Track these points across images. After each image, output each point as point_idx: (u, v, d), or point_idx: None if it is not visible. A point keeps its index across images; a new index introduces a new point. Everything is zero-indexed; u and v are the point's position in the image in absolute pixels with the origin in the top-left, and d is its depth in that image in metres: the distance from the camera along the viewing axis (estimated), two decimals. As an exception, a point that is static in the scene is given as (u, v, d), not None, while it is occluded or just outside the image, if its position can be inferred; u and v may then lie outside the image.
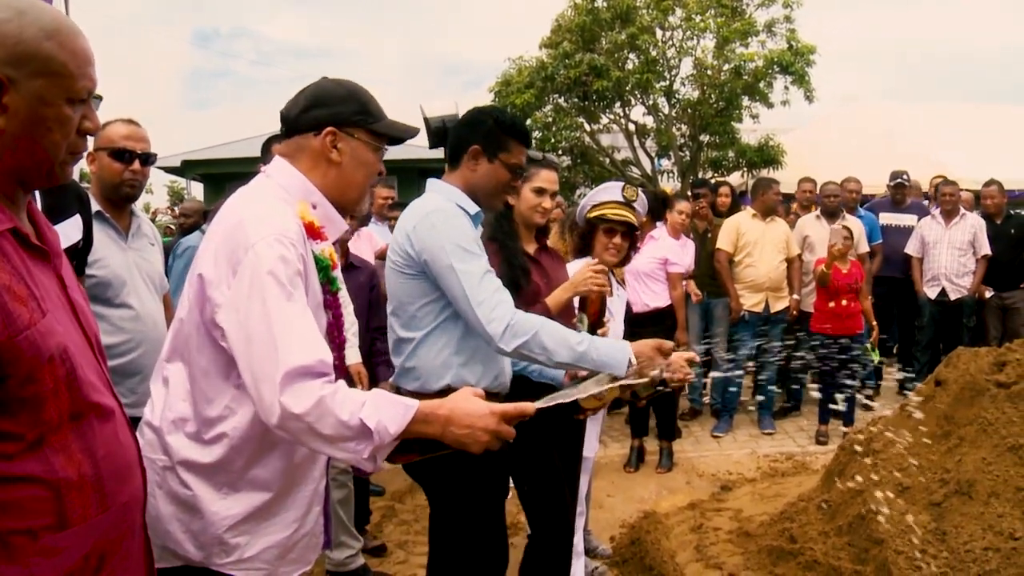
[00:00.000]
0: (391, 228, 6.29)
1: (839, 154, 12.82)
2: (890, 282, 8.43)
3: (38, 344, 1.44)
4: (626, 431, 7.00)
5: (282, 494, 2.05)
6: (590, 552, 4.79)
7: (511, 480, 3.45)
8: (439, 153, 6.10)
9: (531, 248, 3.61)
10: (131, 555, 1.67)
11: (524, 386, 3.12)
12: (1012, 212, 8.63)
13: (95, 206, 3.28)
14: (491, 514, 2.96)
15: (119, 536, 1.62)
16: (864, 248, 7.84)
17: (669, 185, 15.83)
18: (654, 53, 15.17)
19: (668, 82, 15.61)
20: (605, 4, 14.91)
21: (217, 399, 1.97)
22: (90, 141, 1.71)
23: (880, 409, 7.72)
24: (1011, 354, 4.08)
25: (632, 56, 15.27)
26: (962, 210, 8.23)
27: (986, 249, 8.04)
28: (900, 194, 8.96)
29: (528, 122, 14.43)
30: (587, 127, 16.27)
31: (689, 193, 9.31)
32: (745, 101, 15.38)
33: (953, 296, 8.09)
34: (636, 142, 16.32)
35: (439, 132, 5.88)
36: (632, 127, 16.28)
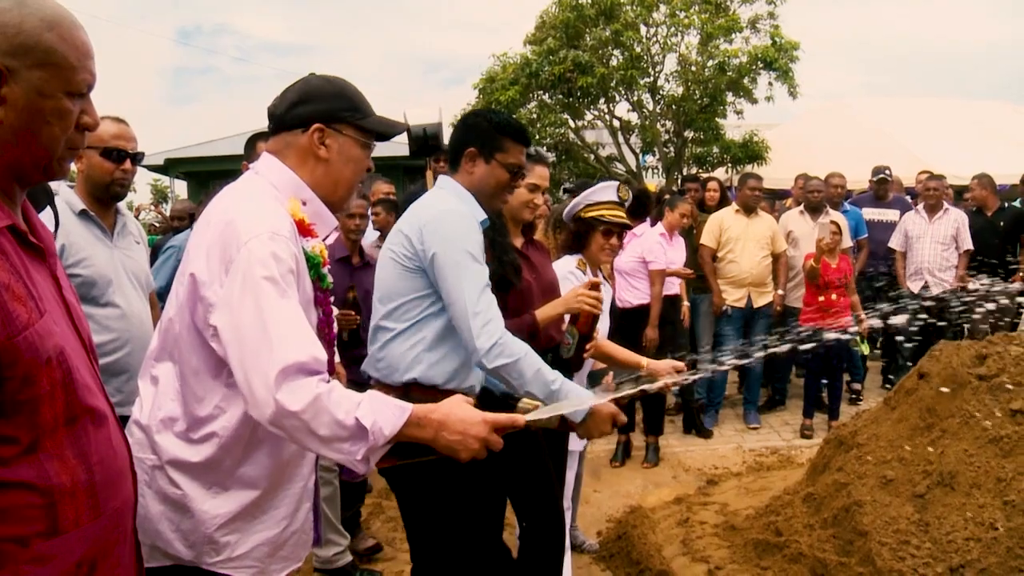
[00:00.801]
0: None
1: (823, 150, 12.90)
2: (873, 276, 8.48)
3: (36, 345, 1.42)
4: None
5: (271, 492, 2.04)
6: (577, 547, 4.81)
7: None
8: (424, 120, 6.05)
9: (518, 242, 3.62)
10: (122, 561, 1.65)
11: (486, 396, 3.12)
12: (1006, 205, 8.67)
13: (80, 204, 3.27)
14: (471, 521, 2.97)
15: (111, 542, 1.59)
16: (849, 243, 7.88)
17: (654, 181, 15.87)
18: (638, 49, 15.23)
19: (652, 78, 15.68)
20: (589, 1, 14.93)
21: (207, 398, 1.95)
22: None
23: (865, 402, 7.79)
24: (992, 347, 4.12)
25: (616, 52, 15.32)
26: (945, 205, 8.28)
27: (968, 244, 8.10)
28: (883, 189, 9.01)
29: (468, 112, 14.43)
30: (572, 123, 16.32)
31: (674, 188, 9.35)
32: (729, 97, 15.48)
33: (936, 290, 8.14)
34: (621, 138, 16.37)
35: (419, 139, 5.90)
36: (616, 123, 16.34)
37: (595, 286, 3.46)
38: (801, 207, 8.19)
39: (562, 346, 3.53)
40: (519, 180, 3.08)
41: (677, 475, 6.25)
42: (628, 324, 6.15)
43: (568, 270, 4.06)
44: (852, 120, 14.96)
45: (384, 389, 2.75)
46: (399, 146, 12.78)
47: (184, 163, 21.66)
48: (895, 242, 8.39)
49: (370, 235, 6.25)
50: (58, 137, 1.51)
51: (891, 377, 8.40)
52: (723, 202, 8.43)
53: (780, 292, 7.68)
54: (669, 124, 15.89)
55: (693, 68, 15.23)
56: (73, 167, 3.38)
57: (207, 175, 19.31)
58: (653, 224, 6.92)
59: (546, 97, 15.84)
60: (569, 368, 3.51)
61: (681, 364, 3.51)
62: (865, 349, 7.63)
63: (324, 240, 2.17)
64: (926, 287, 8.16)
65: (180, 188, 24.21)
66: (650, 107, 15.96)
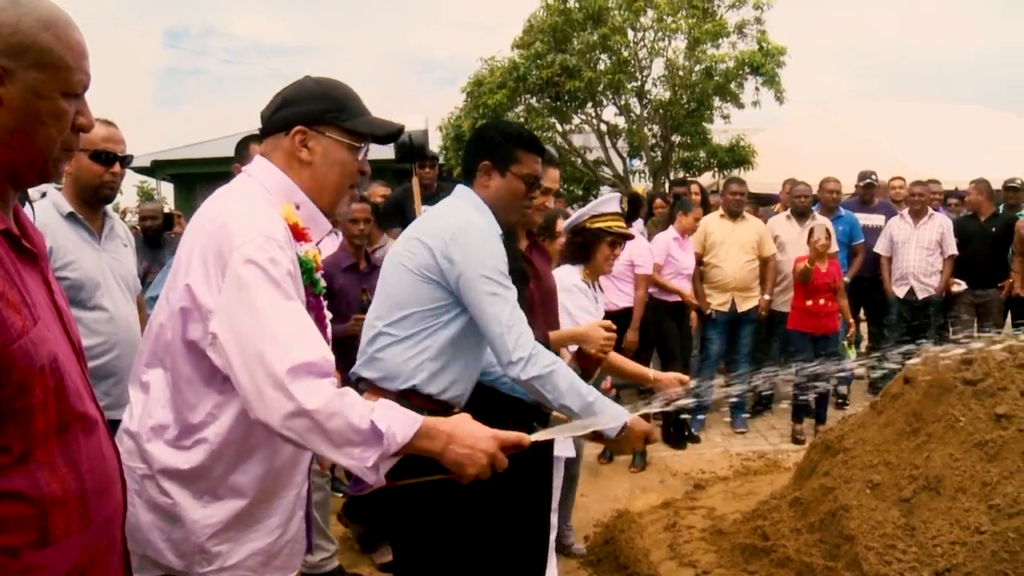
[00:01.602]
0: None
1: (809, 155, 12.95)
2: (859, 281, 8.52)
3: (31, 353, 1.40)
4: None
5: (264, 500, 2.01)
6: (565, 551, 4.81)
7: None
8: (411, 127, 6.01)
9: (522, 245, 3.60)
10: (111, 570, 1.63)
11: (491, 397, 3.10)
12: (999, 211, 8.72)
13: (68, 207, 3.25)
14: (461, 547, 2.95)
15: (101, 551, 1.57)
16: (835, 247, 7.91)
17: (641, 185, 15.91)
18: (626, 54, 15.25)
19: (640, 83, 15.71)
20: (577, 5, 14.96)
21: (200, 405, 1.93)
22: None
23: (851, 407, 7.82)
24: (977, 352, 4.14)
25: (604, 57, 15.33)
26: (930, 210, 8.33)
27: (953, 249, 8.14)
28: (869, 194, 9.06)
29: (478, 125, 14.46)
30: (559, 127, 16.32)
31: (662, 192, 9.37)
32: (716, 102, 15.50)
33: (921, 295, 8.18)
34: (608, 142, 16.39)
35: (404, 147, 5.90)
36: (604, 127, 16.35)
37: (610, 328, 3.44)
38: (788, 212, 8.23)
39: None
40: (536, 191, 3.02)
41: (664, 479, 6.25)
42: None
43: (572, 282, 4.07)
44: (838, 125, 15.03)
45: (377, 392, 2.73)
46: (386, 149, 12.79)
47: (171, 165, 21.55)
48: (880, 247, 8.43)
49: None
50: (54, 138, 1.49)
51: (877, 383, 8.44)
52: (704, 206, 8.46)
53: (766, 297, 7.70)
54: (656, 128, 15.91)
55: (680, 73, 15.26)
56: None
57: (194, 177, 19.21)
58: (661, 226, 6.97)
59: (534, 101, 15.84)
60: None
61: (686, 378, 3.49)
62: (852, 354, 7.66)
63: (318, 244, 2.13)
64: (911, 292, 8.21)
65: (167, 190, 24.10)
66: (637, 111, 15.98)
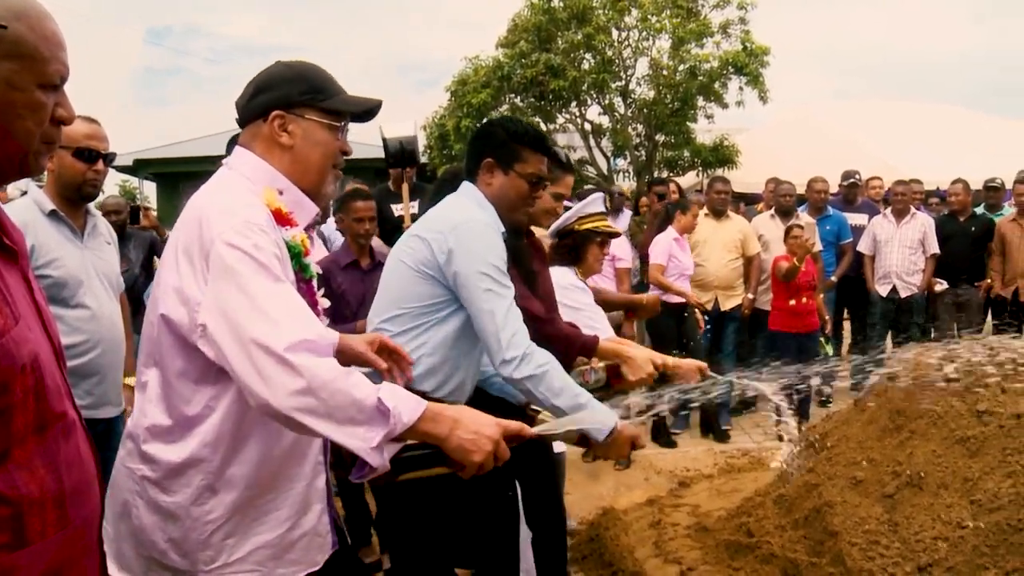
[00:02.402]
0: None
1: (793, 154, 13.02)
2: (842, 280, 8.57)
3: (12, 353, 1.37)
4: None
5: (267, 492, 1.97)
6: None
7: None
8: (400, 133, 6.02)
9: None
10: (87, 574, 1.60)
11: (477, 397, 3.09)
12: (977, 212, 8.82)
13: (49, 204, 3.23)
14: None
15: (77, 554, 1.54)
16: (819, 247, 7.95)
17: (625, 184, 15.95)
18: (610, 53, 15.28)
19: (624, 82, 15.74)
20: (561, 4, 14.98)
21: (195, 399, 1.91)
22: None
23: (835, 404, 7.86)
24: (959, 349, 4.18)
25: (588, 56, 15.36)
26: (912, 209, 8.39)
27: (934, 248, 8.21)
28: (852, 193, 9.12)
29: (484, 121, 14.46)
30: (543, 127, 16.33)
31: (642, 191, 9.39)
32: (700, 101, 15.54)
33: (904, 294, 8.24)
34: (592, 142, 16.41)
35: (397, 153, 5.91)
36: (588, 127, 16.37)
37: (656, 368, 3.40)
38: (772, 211, 8.27)
39: (578, 375, 3.45)
40: (539, 190, 2.99)
41: (649, 477, 6.27)
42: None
43: (569, 281, 4.08)
44: (821, 126, 15.12)
45: None
46: (369, 148, 12.78)
47: (153, 164, 21.46)
48: (863, 246, 8.48)
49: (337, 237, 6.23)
50: (32, 131, 1.45)
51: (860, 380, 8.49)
52: (681, 203, 8.48)
53: (750, 296, 7.73)
54: (640, 128, 15.94)
55: (664, 72, 15.30)
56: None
57: (177, 176, 19.14)
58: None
59: (518, 100, 15.85)
60: None
61: (704, 364, 3.48)
62: (829, 350, 7.71)
63: (307, 229, 2.10)
64: (894, 291, 8.26)
65: (149, 189, 23.97)
66: (621, 111, 16.01)
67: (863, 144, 13.35)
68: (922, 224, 8.28)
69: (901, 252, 8.23)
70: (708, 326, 7.50)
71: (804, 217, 8.02)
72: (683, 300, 7.00)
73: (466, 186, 2.94)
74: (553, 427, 2.41)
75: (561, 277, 4.05)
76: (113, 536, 2.02)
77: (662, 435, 7.18)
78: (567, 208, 4.03)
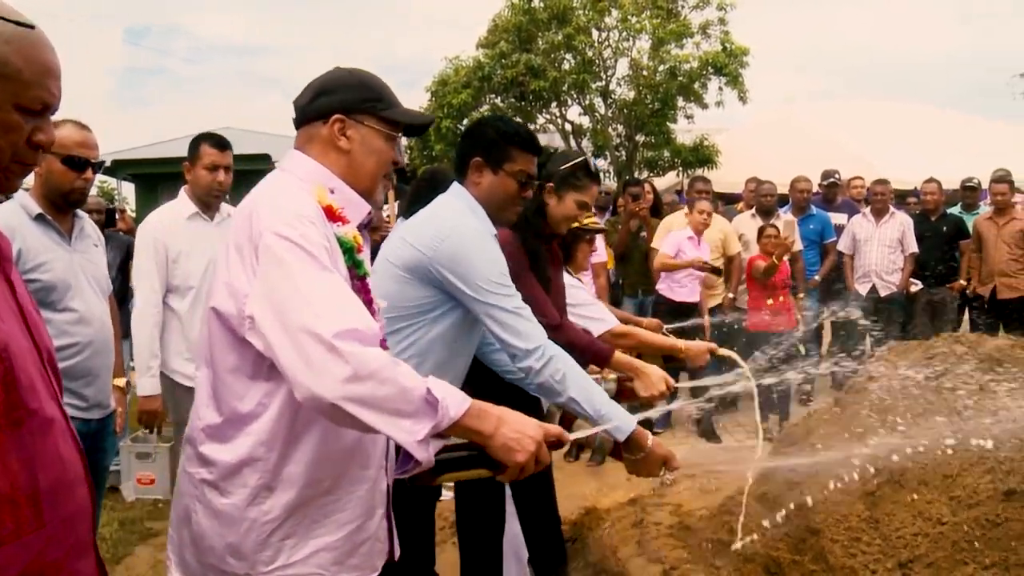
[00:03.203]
0: None
1: (773, 154, 13.08)
2: (823, 278, 8.62)
3: None
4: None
5: (328, 493, 1.94)
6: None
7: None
8: None
9: None
10: None
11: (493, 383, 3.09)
12: (947, 212, 8.90)
13: (36, 208, 3.21)
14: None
15: (62, 555, 1.50)
16: (800, 246, 8.00)
17: (605, 184, 15.96)
18: (590, 54, 15.32)
19: (604, 82, 15.79)
20: (542, 4, 15.01)
21: (248, 395, 1.88)
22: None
23: (815, 402, 7.90)
24: (938, 347, 4.21)
25: (568, 56, 15.40)
26: (891, 208, 8.46)
27: (913, 247, 8.28)
28: (832, 193, 9.17)
29: (465, 122, 14.47)
30: (524, 127, 16.33)
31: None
32: (680, 102, 15.61)
33: (883, 292, 8.30)
34: (572, 142, 16.43)
35: None
36: (568, 127, 16.41)
37: (670, 387, 3.40)
38: (753, 210, 8.30)
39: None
40: (528, 190, 2.96)
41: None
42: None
43: (568, 281, 4.09)
44: (801, 125, 15.24)
45: None
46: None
47: (132, 165, 21.27)
48: (843, 245, 8.54)
49: None
50: (3, 148, 1.45)
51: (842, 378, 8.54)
52: (656, 207, 8.52)
53: (731, 295, 7.76)
54: (620, 128, 15.99)
55: (644, 73, 15.36)
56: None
57: (156, 177, 18.99)
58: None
59: (498, 101, 15.87)
60: None
61: (714, 345, 3.46)
62: (802, 349, 7.74)
63: (360, 228, 2.08)
64: (873, 289, 8.32)
65: (128, 190, 23.80)
66: (602, 111, 16.06)
67: (844, 144, 13.44)
68: (901, 223, 8.35)
69: (880, 251, 8.29)
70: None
71: (785, 216, 8.06)
72: (685, 301, 7.04)
73: (456, 187, 2.92)
74: (587, 432, 2.41)
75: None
76: (177, 543, 2.01)
77: (706, 432, 7.31)
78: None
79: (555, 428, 1.96)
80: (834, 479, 3.34)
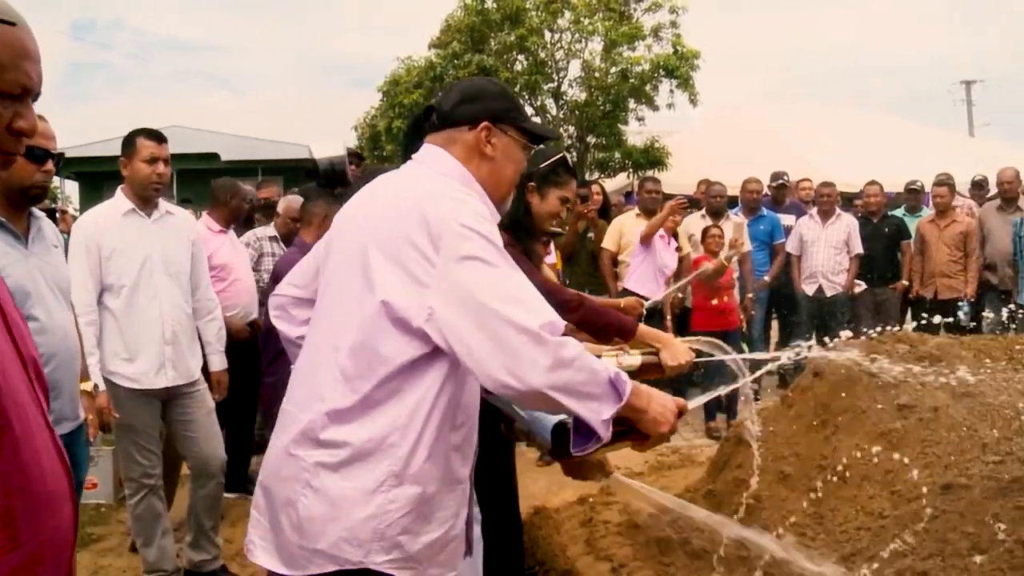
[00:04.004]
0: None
1: (722, 156, 13.22)
2: (771, 279, 8.72)
3: None
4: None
5: (441, 489, 1.96)
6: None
7: None
8: (330, 153, 6.06)
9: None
10: None
11: None
12: (889, 213, 9.08)
13: None
14: None
15: None
16: (749, 246, 8.08)
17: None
18: (543, 55, 15.36)
19: (556, 84, 15.83)
20: (495, 5, 15.02)
21: (392, 383, 1.89)
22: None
23: (762, 401, 8.00)
24: (881, 346, 4.28)
25: (521, 57, 15.43)
26: (838, 210, 8.60)
27: (858, 248, 8.42)
28: (781, 194, 9.30)
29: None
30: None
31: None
32: (631, 104, 15.69)
33: (829, 293, 8.43)
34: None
35: (328, 174, 5.95)
36: (521, 128, 16.40)
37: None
38: (703, 211, 8.38)
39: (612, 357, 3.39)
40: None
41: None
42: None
43: None
44: (750, 128, 15.42)
45: None
46: (302, 149, 12.63)
47: (77, 163, 20.81)
48: (790, 246, 8.65)
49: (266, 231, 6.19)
50: None
51: (788, 377, 8.66)
52: (604, 208, 8.57)
53: (680, 295, 7.82)
54: (572, 129, 16.03)
55: (596, 74, 15.43)
56: None
57: (100, 176, 18.69)
58: None
59: (451, 101, 15.83)
60: None
61: (688, 349, 3.44)
62: (746, 349, 7.84)
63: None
64: (820, 290, 8.44)
65: (71, 189, 23.36)
66: (553, 112, 16.09)
67: (792, 147, 13.66)
68: (847, 225, 8.49)
69: (827, 252, 8.42)
70: (641, 320, 7.57)
71: (735, 218, 8.15)
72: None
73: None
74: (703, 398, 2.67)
75: None
76: (270, 527, 1.98)
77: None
78: None
79: (681, 401, 2.10)
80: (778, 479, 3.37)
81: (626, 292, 7.27)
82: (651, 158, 15.01)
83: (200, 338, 4.39)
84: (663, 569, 4.02)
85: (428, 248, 1.84)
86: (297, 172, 17.00)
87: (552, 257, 6.78)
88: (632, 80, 15.02)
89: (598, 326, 3.13)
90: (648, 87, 15.34)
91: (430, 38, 16.00)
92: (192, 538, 4.35)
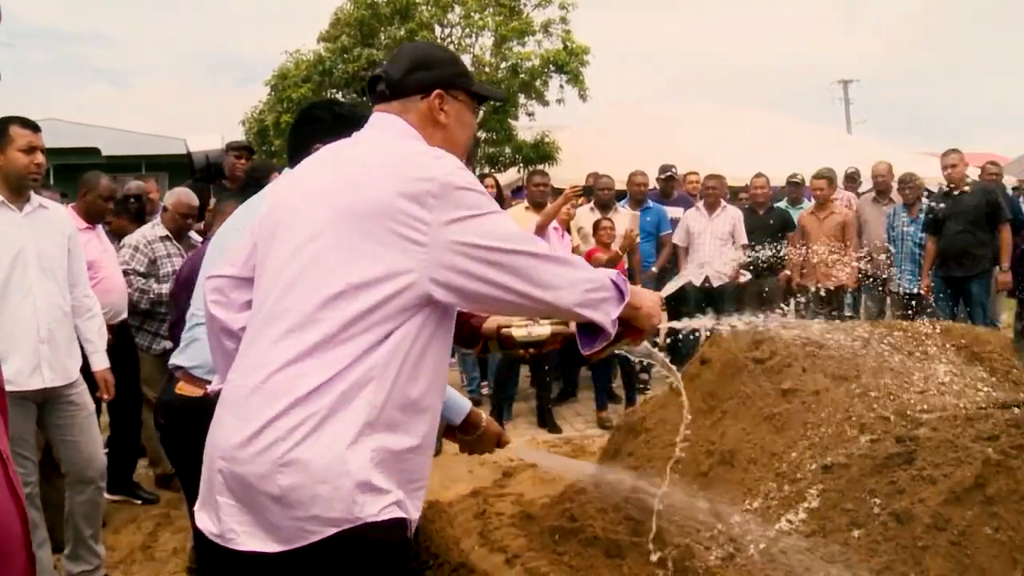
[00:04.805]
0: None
1: (612, 151, 13.41)
2: (661, 270, 8.87)
3: None
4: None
5: (422, 445, 1.89)
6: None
7: None
8: (206, 147, 5.92)
9: None
10: None
11: None
12: (773, 205, 9.34)
13: None
14: None
15: None
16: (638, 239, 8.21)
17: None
18: (433, 50, 15.28)
19: (447, 79, 15.77)
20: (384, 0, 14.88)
21: (347, 343, 1.78)
22: None
23: (652, 389, 8.13)
24: (766, 333, 4.38)
25: (411, 52, 15.31)
26: (723, 202, 8.79)
27: (743, 239, 8.63)
28: (669, 187, 9.46)
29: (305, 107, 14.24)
30: (367, 122, 16.17)
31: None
32: (521, 99, 15.76)
33: (716, 283, 8.62)
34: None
35: (203, 168, 5.78)
36: (411, 122, 16.33)
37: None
38: (591, 204, 8.46)
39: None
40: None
41: (473, 469, 6.27)
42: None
43: None
44: (641, 124, 15.71)
45: (191, 380, 2.75)
46: (178, 143, 12.29)
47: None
48: (677, 238, 8.81)
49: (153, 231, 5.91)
50: None
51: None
52: (499, 200, 8.59)
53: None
54: (462, 124, 16.03)
55: (487, 70, 15.45)
56: None
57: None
58: None
59: (339, 95, 15.64)
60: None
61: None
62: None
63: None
64: (707, 281, 8.62)
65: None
66: (444, 107, 16.05)
67: (682, 143, 13.95)
68: (732, 217, 8.69)
69: (713, 243, 8.60)
70: None
71: (626, 210, 8.24)
72: None
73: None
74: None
75: None
76: (247, 511, 1.80)
77: (548, 422, 7.38)
78: None
79: (660, 294, 2.25)
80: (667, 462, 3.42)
81: None
82: (541, 153, 15.12)
83: (79, 337, 4.19)
84: (557, 558, 4.02)
85: (415, 210, 1.79)
86: (182, 168, 16.52)
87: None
88: (522, 75, 15.10)
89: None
90: (538, 82, 15.44)
91: (319, 32, 15.77)
92: (70, 549, 4.12)
